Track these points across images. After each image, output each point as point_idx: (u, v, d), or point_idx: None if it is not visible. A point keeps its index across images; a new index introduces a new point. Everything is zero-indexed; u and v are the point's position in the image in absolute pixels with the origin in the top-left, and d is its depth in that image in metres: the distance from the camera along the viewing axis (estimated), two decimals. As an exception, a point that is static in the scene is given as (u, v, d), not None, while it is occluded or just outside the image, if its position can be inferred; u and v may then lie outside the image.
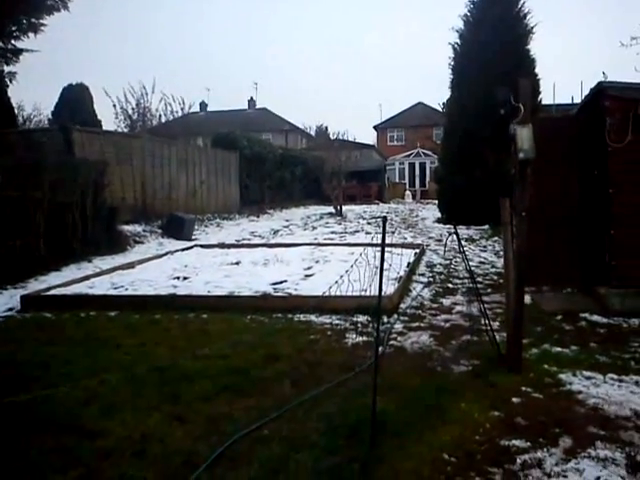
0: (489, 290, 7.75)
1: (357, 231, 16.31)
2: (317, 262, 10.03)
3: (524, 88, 4.87)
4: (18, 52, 17.44)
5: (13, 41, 17.23)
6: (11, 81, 18.19)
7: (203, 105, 48.56)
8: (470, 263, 9.87)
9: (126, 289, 8.10)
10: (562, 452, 3.26)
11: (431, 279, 8.71)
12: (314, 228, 17.42)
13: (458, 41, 18.53)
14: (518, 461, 3.16)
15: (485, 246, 12.66)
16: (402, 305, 6.91)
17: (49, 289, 7.90)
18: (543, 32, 38.76)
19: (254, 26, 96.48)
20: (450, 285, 8.23)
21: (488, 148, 14.96)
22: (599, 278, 7.03)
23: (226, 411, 3.87)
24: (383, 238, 3.53)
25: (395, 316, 6.34)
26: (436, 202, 20.91)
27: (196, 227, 15.62)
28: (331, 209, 22.71)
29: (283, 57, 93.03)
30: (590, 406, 3.91)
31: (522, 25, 17.76)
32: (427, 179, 42.99)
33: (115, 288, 8.18)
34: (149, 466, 3.16)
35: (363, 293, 5.27)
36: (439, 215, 19.27)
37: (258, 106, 51.65)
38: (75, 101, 27.17)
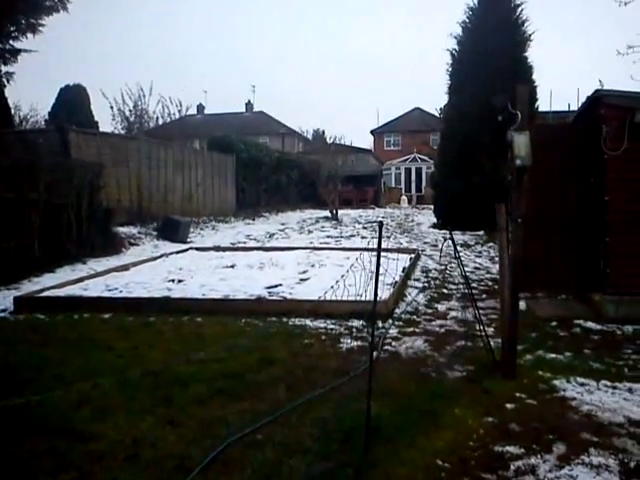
0: (484, 296, 7.76)
1: (353, 235, 16.31)
2: (312, 266, 10.02)
3: (521, 95, 4.89)
4: (16, 52, 17.46)
5: (11, 41, 17.24)
6: (8, 81, 18.21)
7: (200, 107, 48.60)
8: (466, 268, 9.91)
9: (120, 291, 8.08)
10: (556, 459, 3.26)
11: (426, 284, 8.71)
12: (310, 232, 17.41)
13: (456, 47, 18.58)
14: (512, 467, 3.16)
15: (480, 252, 12.68)
16: (397, 310, 6.91)
17: (43, 290, 7.86)
18: (541, 39, 39.03)
19: (252, 29, 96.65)
20: (445, 290, 8.24)
21: (485, 154, 15.02)
22: (594, 285, 7.05)
23: (220, 415, 3.86)
24: (379, 243, 3.52)
25: (390, 321, 6.34)
26: (432, 207, 20.92)
27: (192, 230, 15.59)
28: (327, 213, 22.70)
29: (281, 60, 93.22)
30: (584, 413, 3.92)
31: (520, 32, 17.82)
32: (423, 184, 42.98)
33: (109, 290, 8.15)
34: (141, 470, 3.14)
35: (358, 298, 5.25)
36: (435, 220, 19.28)
37: (255, 109, 51.72)
38: (72, 102, 27.14)
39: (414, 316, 6.72)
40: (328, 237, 15.91)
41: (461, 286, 7.79)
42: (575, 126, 8.28)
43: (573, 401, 4.11)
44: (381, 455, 3.27)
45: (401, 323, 6.34)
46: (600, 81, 11.08)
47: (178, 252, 12.01)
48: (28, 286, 8.54)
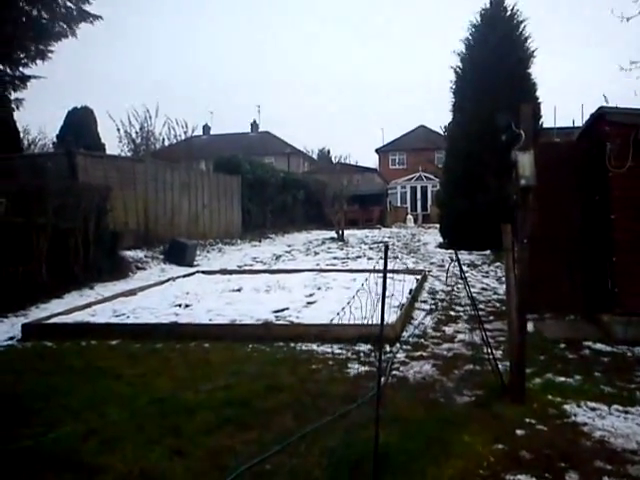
0: (491, 317, 7.72)
1: (359, 256, 16.30)
2: (319, 289, 10.01)
3: (525, 114, 4.91)
4: (25, 79, 17.70)
5: (21, 68, 17.50)
6: (18, 107, 18.46)
7: (206, 128, 49.02)
8: (472, 289, 9.90)
9: (127, 317, 8.08)
10: (568, 488, 3.22)
11: (433, 306, 8.68)
12: (316, 253, 17.42)
13: (460, 65, 18.72)
14: (523, 498, 3.12)
15: (487, 272, 12.63)
16: (404, 333, 6.88)
17: (50, 317, 7.87)
18: (544, 55, 39.24)
19: (257, 49, 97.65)
20: (452, 312, 8.20)
21: (490, 172, 15.04)
22: (602, 305, 7.00)
23: (228, 444, 3.83)
24: (385, 268, 3.52)
25: (397, 345, 6.30)
26: (438, 226, 20.91)
27: (198, 252, 15.62)
28: (333, 234, 22.73)
29: (286, 80, 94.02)
30: (596, 439, 3.87)
31: (523, 49, 17.93)
32: (429, 203, 43.09)
33: (117, 316, 8.16)
34: (149, 503, 3.12)
35: (365, 321, 5.24)
36: (441, 240, 19.25)
37: (261, 129, 52.11)
38: (80, 124, 27.43)
39: (422, 339, 6.69)
40: (334, 258, 15.91)
41: (468, 308, 7.75)
42: (579, 144, 8.29)
43: (585, 427, 4.06)
44: (391, 485, 3.24)
45: (409, 347, 6.30)
46: (604, 96, 11.09)
47: (185, 276, 12.03)
48: (36, 312, 8.56)
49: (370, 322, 4.94)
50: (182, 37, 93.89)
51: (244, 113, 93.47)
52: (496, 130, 5.24)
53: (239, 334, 6.80)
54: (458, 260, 5.18)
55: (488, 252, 15.32)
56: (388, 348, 6.10)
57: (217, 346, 6.41)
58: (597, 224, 7.24)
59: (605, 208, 6.96)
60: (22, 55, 17.14)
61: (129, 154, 22.56)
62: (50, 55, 17.40)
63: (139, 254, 14.12)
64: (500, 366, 4.96)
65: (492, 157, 13.85)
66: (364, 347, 6.18)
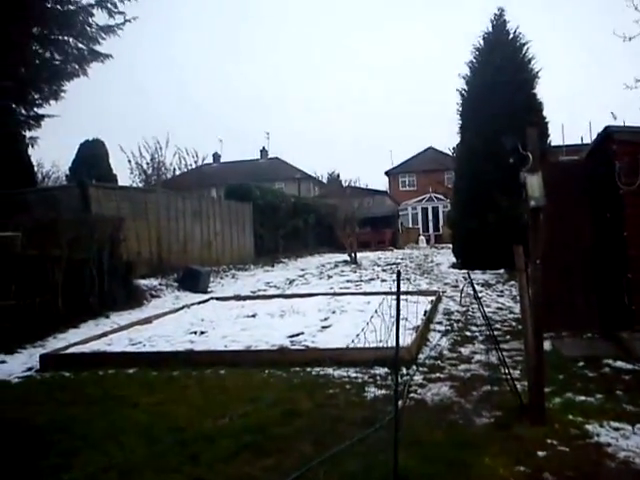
0: (508, 337, 7.66)
1: (372, 279, 16.28)
2: (334, 312, 10.00)
3: (532, 137, 4.95)
4: (39, 118, 18.07)
5: (35, 108, 17.89)
6: (33, 146, 18.85)
7: (216, 156, 49.56)
8: (487, 309, 9.87)
9: (144, 345, 8.12)
10: (593, 510, 3.17)
11: (449, 327, 8.64)
12: (329, 277, 17.42)
13: (465, 87, 18.88)
14: (548, 521, 3.07)
15: (502, 291, 12.57)
16: (421, 355, 6.84)
17: (67, 347, 7.93)
18: (552, 72, 39.46)
19: (265, 75, 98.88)
20: (468, 333, 8.16)
21: (500, 191, 15.05)
22: (620, 322, 6.94)
23: (247, 471, 3.82)
24: (398, 292, 3.54)
25: (414, 367, 6.26)
26: (450, 246, 20.87)
27: (212, 279, 15.69)
28: (346, 257, 22.74)
29: (294, 106, 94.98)
30: (620, 459, 3.80)
31: (527, 70, 18.06)
32: (441, 223, 43.03)
33: (133, 344, 8.20)
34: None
35: (381, 344, 5.23)
36: (454, 260, 19.20)
37: (270, 155, 52.58)
38: (92, 156, 27.80)
39: (438, 361, 6.65)
40: (348, 281, 15.90)
41: (484, 328, 7.70)
42: (588, 162, 8.30)
43: (608, 447, 3.99)
44: (412, 510, 3.21)
45: (425, 369, 6.26)
46: (612, 113, 11.17)
47: (199, 303, 12.07)
48: (53, 343, 8.62)
49: (385, 345, 4.95)
50: (190, 65, 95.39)
51: (253, 140, 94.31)
52: (503, 150, 5.29)
53: (255, 360, 6.80)
54: (471, 282, 5.19)
55: (502, 271, 15.24)
56: (405, 370, 6.06)
57: (233, 372, 6.41)
58: (610, 241, 7.22)
59: (617, 225, 6.95)
60: (36, 96, 17.54)
61: (141, 184, 22.83)
62: (63, 95, 17.79)
63: (153, 282, 14.20)
64: (519, 386, 4.92)
65: (501, 177, 13.85)
66: (380, 370, 6.15)
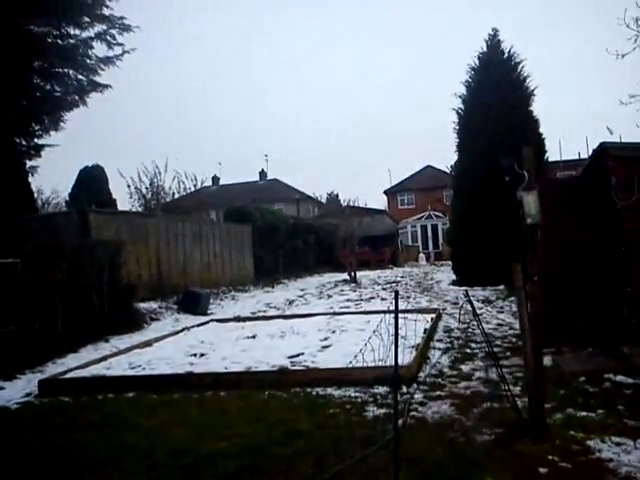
0: (508, 353, 7.65)
1: (372, 297, 16.27)
2: (334, 332, 9.98)
3: (528, 156, 5.03)
4: (40, 148, 18.32)
5: (35, 139, 18.13)
6: (33, 175, 19.13)
7: (215, 179, 49.81)
8: (488, 326, 9.88)
9: (143, 368, 8.09)
10: (596, 526, 3.15)
11: (449, 345, 8.62)
12: (329, 296, 17.40)
13: (462, 106, 19.08)
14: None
15: (502, 307, 12.55)
16: (421, 374, 6.82)
17: (67, 372, 7.90)
18: (548, 89, 39.94)
19: (262, 97, 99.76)
20: (468, 350, 8.13)
21: (497, 209, 15.12)
22: (620, 337, 6.93)
23: (248, 494, 3.81)
24: (396, 311, 3.56)
25: (415, 385, 6.25)
26: (450, 263, 20.89)
27: (211, 301, 15.68)
28: (345, 276, 22.74)
29: (292, 128, 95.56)
30: (622, 475, 3.78)
31: (523, 88, 18.26)
32: (440, 241, 43.10)
33: (132, 368, 8.17)
34: None
35: (381, 363, 5.23)
36: (454, 277, 19.20)
37: (269, 177, 52.86)
38: (91, 182, 27.89)
39: (439, 379, 6.63)
40: (348, 300, 15.89)
41: (484, 345, 7.69)
42: (585, 178, 8.37)
43: (610, 463, 3.97)
44: (413, 529, 3.19)
45: (426, 387, 6.24)
46: (608, 128, 11.27)
47: (199, 325, 12.05)
48: (52, 368, 8.59)
49: (385, 364, 4.95)
50: (187, 90, 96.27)
51: (252, 162, 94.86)
52: (500, 169, 5.35)
53: (255, 381, 6.78)
54: (470, 301, 5.21)
55: (502, 287, 15.23)
56: (405, 389, 6.05)
57: (234, 394, 6.39)
58: (608, 256, 7.24)
59: (615, 240, 6.99)
60: (37, 127, 17.79)
61: (140, 209, 22.96)
62: (63, 124, 18.03)
63: (153, 305, 14.19)
64: (519, 402, 4.91)
65: (498, 194, 13.94)
66: (381, 389, 6.14)
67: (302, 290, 19.54)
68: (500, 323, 10.44)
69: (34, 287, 9.77)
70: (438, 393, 6.03)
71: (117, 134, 76.55)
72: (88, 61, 17.28)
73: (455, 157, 19.63)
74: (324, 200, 48.79)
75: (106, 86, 17.93)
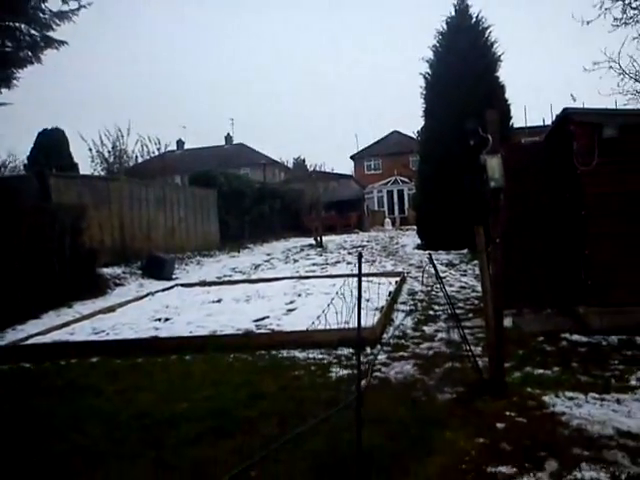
0: (470, 315, 7.81)
1: (338, 262, 16.36)
2: (299, 296, 10.03)
3: (491, 120, 5.03)
4: (-9, 106, 17.45)
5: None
6: None
7: (180, 143, 48.77)
8: (451, 288, 10.05)
9: (107, 334, 8.01)
10: (548, 476, 3.28)
11: (413, 307, 8.75)
12: (295, 261, 17.43)
13: (429, 71, 19.01)
14: (505, 488, 3.17)
15: (465, 270, 12.77)
16: (385, 335, 6.93)
17: (27, 338, 7.78)
18: (513, 56, 39.96)
19: (227, 61, 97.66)
20: (432, 312, 8.28)
21: (462, 173, 15.22)
22: (578, 298, 7.13)
23: (212, 454, 3.83)
24: (359, 274, 3.56)
25: (378, 347, 6.34)
26: (415, 228, 21.09)
27: (176, 266, 15.55)
28: (311, 241, 22.78)
29: (258, 92, 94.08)
30: (574, 427, 3.94)
31: (490, 54, 18.29)
32: (406, 206, 43.40)
33: (96, 333, 8.09)
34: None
35: (345, 326, 5.28)
36: (419, 242, 19.42)
37: (235, 141, 52.11)
38: (51, 145, 27.04)
39: (402, 340, 6.74)
40: (314, 265, 15.95)
41: (447, 307, 7.83)
42: (548, 143, 8.45)
43: (563, 416, 4.14)
44: (375, 484, 3.26)
45: (389, 348, 6.34)
46: (572, 95, 11.45)
47: (164, 290, 11.96)
48: (12, 334, 8.43)
49: (349, 326, 5.00)
50: (152, 53, 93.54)
51: (218, 127, 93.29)
52: (466, 134, 5.36)
53: (220, 345, 6.78)
54: (433, 263, 5.26)
55: (465, 251, 15.49)
56: (369, 350, 6.14)
57: (199, 358, 6.39)
58: (569, 220, 7.39)
59: (576, 204, 7.11)
60: None
61: (103, 173, 22.42)
62: (15, 82, 17.21)
63: (117, 271, 14.00)
64: (480, 362, 5.03)
65: (464, 159, 14.00)
66: (345, 351, 6.22)
67: (268, 255, 19.52)
68: (463, 286, 10.64)
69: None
70: (401, 354, 6.14)
71: (77, 96, 74.22)
72: (41, 15, 16.45)
73: (422, 122, 19.63)
74: (291, 165, 48.42)
75: (62, 42, 17.10)
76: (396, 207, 45.49)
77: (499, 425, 4.02)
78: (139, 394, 5.25)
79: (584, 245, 6.93)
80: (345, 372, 5.53)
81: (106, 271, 13.37)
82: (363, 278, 3.60)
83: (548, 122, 27.42)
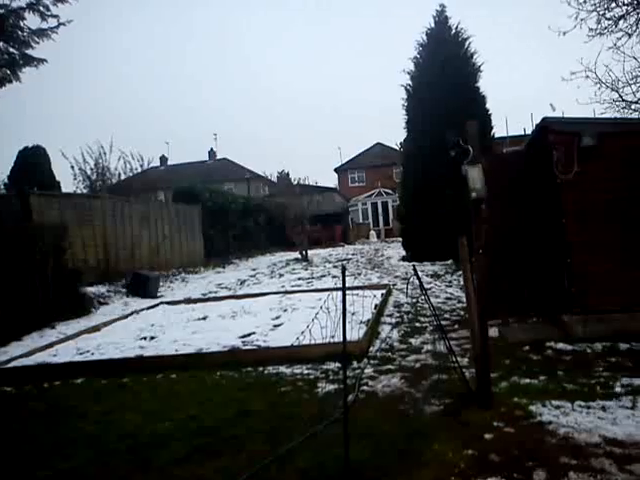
0: (456, 326, 7.83)
1: (324, 275, 16.35)
2: (285, 311, 10.00)
3: (471, 131, 5.08)
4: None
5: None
6: None
7: (163, 159, 48.66)
8: (437, 299, 10.08)
9: (92, 354, 7.91)
10: (537, 486, 3.28)
11: (399, 319, 8.76)
12: (281, 275, 17.39)
13: (410, 82, 19.16)
14: (494, 500, 3.16)
15: (450, 281, 12.82)
16: (372, 348, 6.92)
17: (10, 361, 7.66)
18: (494, 67, 40.58)
19: (210, 77, 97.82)
20: (418, 324, 8.29)
21: (445, 185, 15.34)
22: (562, 306, 7.19)
23: (200, 473, 3.80)
24: (344, 288, 3.57)
25: (365, 360, 6.33)
26: (400, 240, 21.16)
27: (161, 283, 15.43)
28: (297, 255, 22.75)
29: (240, 106, 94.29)
30: (561, 436, 3.96)
31: (470, 64, 18.48)
32: (391, 217, 43.55)
33: (80, 354, 7.99)
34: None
35: (331, 340, 5.27)
36: (404, 253, 19.47)
37: (219, 156, 52.06)
38: (32, 164, 26.80)
39: (389, 353, 6.73)
40: (299, 279, 15.91)
41: (433, 318, 7.84)
42: (528, 153, 8.55)
43: (550, 425, 4.15)
44: (364, 500, 3.24)
45: (376, 361, 6.33)
46: (551, 105, 11.61)
47: (149, 308, 11.85)
48: (-6, 357, 8.30)
49: (335, 340, 4.98)
50: (134, 67, 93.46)
51: (201, 142, 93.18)
52: (446, 145, 5.40)
53: (206, 362, 6.73)
54: (417, 276, 5.27)
55: (450, 262, 15.55)
56: (356, 364, 6.13)
57: (185, 376, 6.33)
58: (551, 228, 7.46)
59: (557, 213, 7.19)
60: None
61: (85, 191, 22.26)
62: (-6, 101, 17.09)
63: (101, 289, 13.86)
64: (467, 373, 5.04)
65: (446, 170, 14.10)
66: (332, 365, 6.20)
67: (254, 270, 19.46)
68: (449, 297, 10.67)
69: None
70: (388, 367, 6.13)
71: (58, 114, 73.80)
72: (20, 33, 16.35)
73: (404, 134, 19.77)
74: (275, 179, 48.43)
75: (41, 60, 17.01)
76: (381, 219, 45.62)
77: (487, 436, 4.03)
78: (125, 414, 5.18)
79: (566, 254, 7.00)
80: (332, 387, 5.51)
81: (90, 290, 13.22)
82: (348, 291, 3.62)
83: (529, 131, 27.77)
